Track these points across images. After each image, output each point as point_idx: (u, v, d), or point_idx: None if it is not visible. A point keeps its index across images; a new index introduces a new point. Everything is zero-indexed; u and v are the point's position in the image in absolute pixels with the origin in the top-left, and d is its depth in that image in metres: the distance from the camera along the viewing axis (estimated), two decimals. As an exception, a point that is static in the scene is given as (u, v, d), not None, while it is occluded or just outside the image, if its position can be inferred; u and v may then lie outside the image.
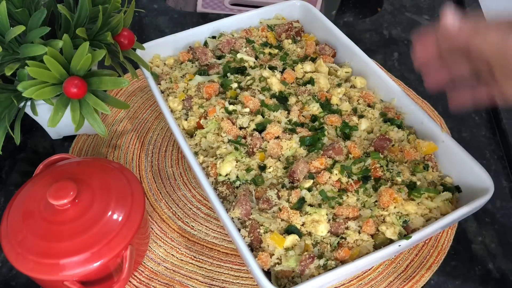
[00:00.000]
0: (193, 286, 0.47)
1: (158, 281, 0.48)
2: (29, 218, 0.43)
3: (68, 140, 0.60)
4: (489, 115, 0.64)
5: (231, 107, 0.52)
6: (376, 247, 0.43)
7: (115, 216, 0.43)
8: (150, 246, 0.50)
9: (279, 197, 0.45)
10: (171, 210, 0.53)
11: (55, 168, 0.47)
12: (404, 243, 0.41)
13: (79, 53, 0.45)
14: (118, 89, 0.65)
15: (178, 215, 0.53)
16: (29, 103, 0.51)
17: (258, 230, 0.43)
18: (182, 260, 0.49)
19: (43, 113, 0.53)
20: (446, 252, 0.50)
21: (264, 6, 0.66)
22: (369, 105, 0.54)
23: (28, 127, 0.60)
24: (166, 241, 0.51)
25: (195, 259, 0.49)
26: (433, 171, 0.48)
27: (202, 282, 0.48)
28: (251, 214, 0.44)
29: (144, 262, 0.49)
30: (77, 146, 0.59)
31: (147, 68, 0.55)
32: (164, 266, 0.49)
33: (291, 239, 0.42)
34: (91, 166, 0.47)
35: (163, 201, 0.54)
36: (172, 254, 0.49)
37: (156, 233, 0.51)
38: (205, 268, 0.48)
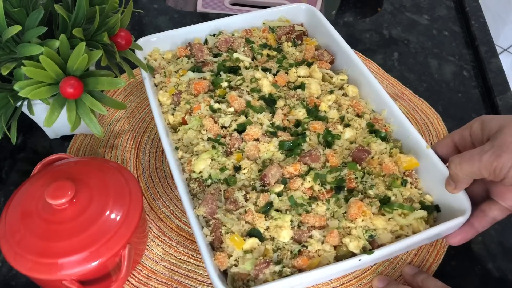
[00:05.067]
0: (191, 285, 0.47)
1: (157, 280, 0.48)
2: (27, 218, 0.43)
3: (68, 139, 0.60)
4: (489, 115, 0.63)
5: (216, 106, 0.52)
6: (338, 259, 0.42)
7: (113, 216, 0.43)
8: (148, 245, 0.50)
9: (246, 199, 0.45)
10: (168, 209, 0.53)
11: (53, 168, 0.47)
12: (365, 258, 0.40)
13: (76, 53, 0.45)
14: (116, 89, 0.65)
15: (176, 214, 0.53)
16: (26, 102, 0.51)
17: (220, 230, 0.43)
18: (180, 259, 0.49)
19: (40, 113, 0.53)
20: (445, 252, 0.50)
21: (265, 6, 0.65)
22: (358, 115, 0.53)
23: (28, 126, 0.60)
24: (164, 240, 0.51)
25: (193, 257, 0.49)
26: (411, 187, 0.47)
27: (200, 281, 0.48)
28: (217, 213, 0.44)
29: (142, 261, 0.49)
30: (75, 146, 0.59)
31: (145, 69, 0.55)
32: (163, 265, 0.49)
33: (251, 242, 0.42)
34: (89, 166, 0.47)
35: (161, 200, 0.54)
36: (170, 253, 0.49)
37: (154, 232, 0.51)
38: (203, 267, 0.48)
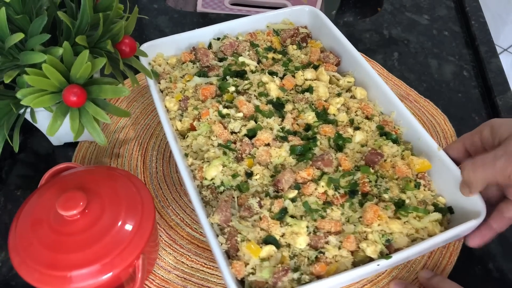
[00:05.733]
0: (205, 294, 0.47)
1: (170, 289, 0.47)
2: (38, 230, 0.42)
3: (72, 145, 0.58)
4: (489, 116, 0.64)
5: (225, 111, 0.51)
6: (356, 265, 0.41)
7: (126, 226, 0.42)
8: (159, 254, 0.50)
9: (260, 206, 0.44)
10: (178, 217, 0.52)
11: (62, 178, 0.46)
12: (383, 262, 0.40)
13: (79, 61, 0.44)
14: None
15: (186, 222, 0.52)
16: (29, 109, 0.49)
17: (235, 238, 0.42)
18: (193, 267, 0.49)
19: (43, 120, 0.51)
20: (459, 253, 0.49)
21: (265, 6, 0.65)
22: (367, 117, 0.53)
23: (29, 127, 0.59)
24: (175, 248, 0.50)
25: (206, 266, 0.49)
26: (424, 190, 0.46)
27: (214, 290, 0.47)
28: (231, 221, 0.43)
29: (154, 270, 0.48)
30: (80, 154, 0.58)
31: (150, 76, 0.54)
32: (175, 274, 0.48)
33: (268, 249, 0.41)
34: (98, 175, 0.46)
35: (170, 207, 0.53)
36: (182, 262, 0.49)
37: (165, 240, 0.51)
38: (216, 275, 0.48)
